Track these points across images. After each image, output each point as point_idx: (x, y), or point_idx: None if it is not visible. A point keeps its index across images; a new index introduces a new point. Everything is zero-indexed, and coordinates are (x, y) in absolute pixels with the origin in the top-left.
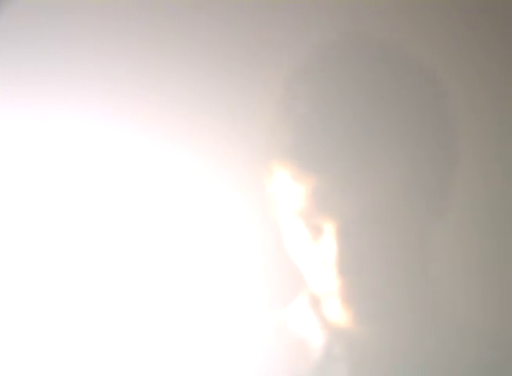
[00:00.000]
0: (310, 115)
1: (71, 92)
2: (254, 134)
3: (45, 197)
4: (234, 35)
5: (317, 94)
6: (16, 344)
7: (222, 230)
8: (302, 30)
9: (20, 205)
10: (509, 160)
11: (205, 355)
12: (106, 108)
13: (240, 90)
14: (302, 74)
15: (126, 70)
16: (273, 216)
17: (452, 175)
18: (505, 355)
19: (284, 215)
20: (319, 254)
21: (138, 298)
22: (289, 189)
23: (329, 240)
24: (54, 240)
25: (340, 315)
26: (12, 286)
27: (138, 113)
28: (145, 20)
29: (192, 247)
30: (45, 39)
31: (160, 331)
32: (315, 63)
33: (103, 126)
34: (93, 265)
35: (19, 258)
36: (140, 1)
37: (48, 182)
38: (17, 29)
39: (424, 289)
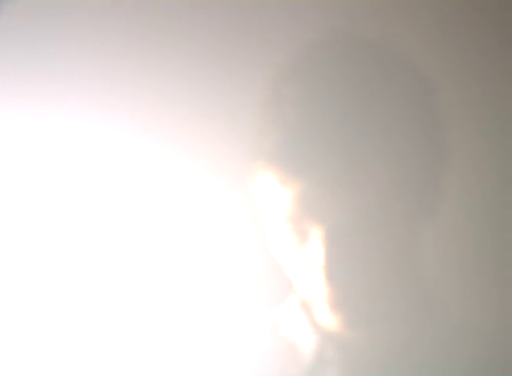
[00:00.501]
0: (298, 116)
1: (71, 92)
2: (240, 136)
3: (45, 197)
4: (226, 35)
5: (305, 94)
6: (16, 344)
7: (209, 235)
8: (291, 29)
9: (21, 205)
10: (502, 156)
11: (197, 360)
12: (105, 108)
13: (228, 90)
14: (290, 73)
15: (126, 70)
16: (261, 221)
17: (444, 172)
18: (502, 354)
19: (272, 219)
20: (308, 259)
21: (125, 299)
22: (276, 192)
23: (318, 245)
24: (54, 240)
25: (331, 319)
26: (12, 286)
27: (136, 112)
28: (144, 21)
29: (179, 252)
30: (45, 39)
31: (149, 335)
32: (304, 62)
33: (103, 126)
34: (89, 264)
35: (19, 257)
36: (140, 1)
37: (48, 182)
38: (17, 29)
39: (418, 289)
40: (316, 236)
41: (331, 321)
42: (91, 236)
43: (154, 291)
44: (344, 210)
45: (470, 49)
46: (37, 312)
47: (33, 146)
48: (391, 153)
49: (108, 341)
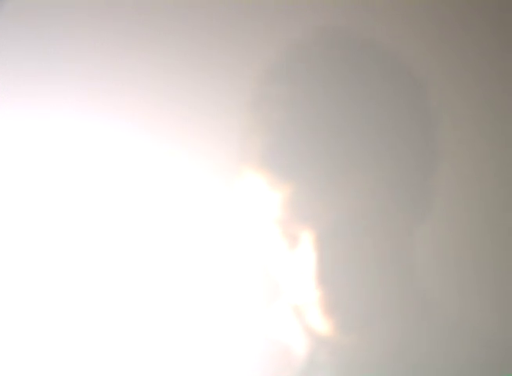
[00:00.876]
0: (290, 115)
1: (71, 92)
2: (232, 136)
3: (45, 197)
4: (223, 34)
5: (298, 94)
6: (16, 344)
7: (200, 239)
8: (286, 28)
9: (21, 205)
10: (500, 155)
11: (189, 364)
12: (105, 107)
13: (221, 90)
14: (282, 72)
15: (126, 69)
16: (253, 224)
17: (441, 172)
18: (501, 354)
19: (264, 222)
20: (300, 263)
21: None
22: (269, 194)
23: (310, 248)
24: (54, 240)
25: (324, 323)
26: (12, 286)
27: (137, 112)
28: (145, 20)
29: (169, 255)
30: (45, 39)
31: (142, 339)
32: (297, 61)
33: (103, 125)
34: (87, 262)
35: (19, 257)
36: (139, 1)
37: (48, 181)
38: (17, 28)
39: (414, 291)
40: (309, 238)
41: (324, 325)
42: (91, 233)
43: (143, 294)
44: (338, 211)
45: (468, 50)
46: (37, 311)
47: (33, 145)
48: (386, 153)
49: (101, 339)
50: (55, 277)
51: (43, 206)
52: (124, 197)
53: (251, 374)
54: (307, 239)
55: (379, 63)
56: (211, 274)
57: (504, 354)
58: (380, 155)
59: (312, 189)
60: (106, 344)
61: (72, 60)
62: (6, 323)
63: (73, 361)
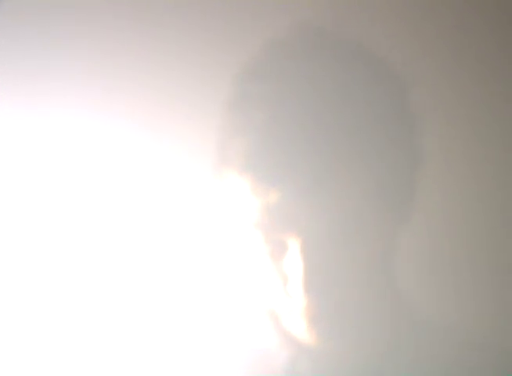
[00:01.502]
0: (274, 116)
1: (70, 90)
2: (212, 138)
3: (45, 195)
4: (217, 30)
5: (281, 94)
6: (16, 344)
7: (182, 245)
8: (269, 24)
9: (20, 203)
10: (495, 155)
11: (170, 373)
12: (105, 105)
13: (199, 88)
14: (265, 71)
15: (126, 67)
16: (236, 230)
17: (432, 171)
18: (496, 358)
19: (249, 228)
20: (287, 270)
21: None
22: (251, 199)
23: (296, 255)
24: (54, 239)
25: (310, 331)
26: (12, 286)
27: (137, 110)
28: (144, 18)
29: (150, 260)
30: (45, 37)
31: (128, 340)
32: (280, 60)
33: (103, 124)
34: (85, 260)
35: (18, 257)
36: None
37: (48, 179)
38: (17, 26)
39: (405, 294)
40: (296, 244)
41: (309, 332)
42: (91, 231)
43: (122, 297)
44: (326, 214)
45: (461, 48)
46: (37, 312)
47: (33, 143)
48: (376, 154)
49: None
50: (55, 276)
51: (43, 204)
52: (118, 195)
53: None
54: (293, 245)
55: (367, 61)
56: (194, 282)
57: (498, 357)
58: (369, 156)
59: (299, 192)
60: (96, 343)
61: (71, 58)
62: (6, 323)
63: (72, 361)
